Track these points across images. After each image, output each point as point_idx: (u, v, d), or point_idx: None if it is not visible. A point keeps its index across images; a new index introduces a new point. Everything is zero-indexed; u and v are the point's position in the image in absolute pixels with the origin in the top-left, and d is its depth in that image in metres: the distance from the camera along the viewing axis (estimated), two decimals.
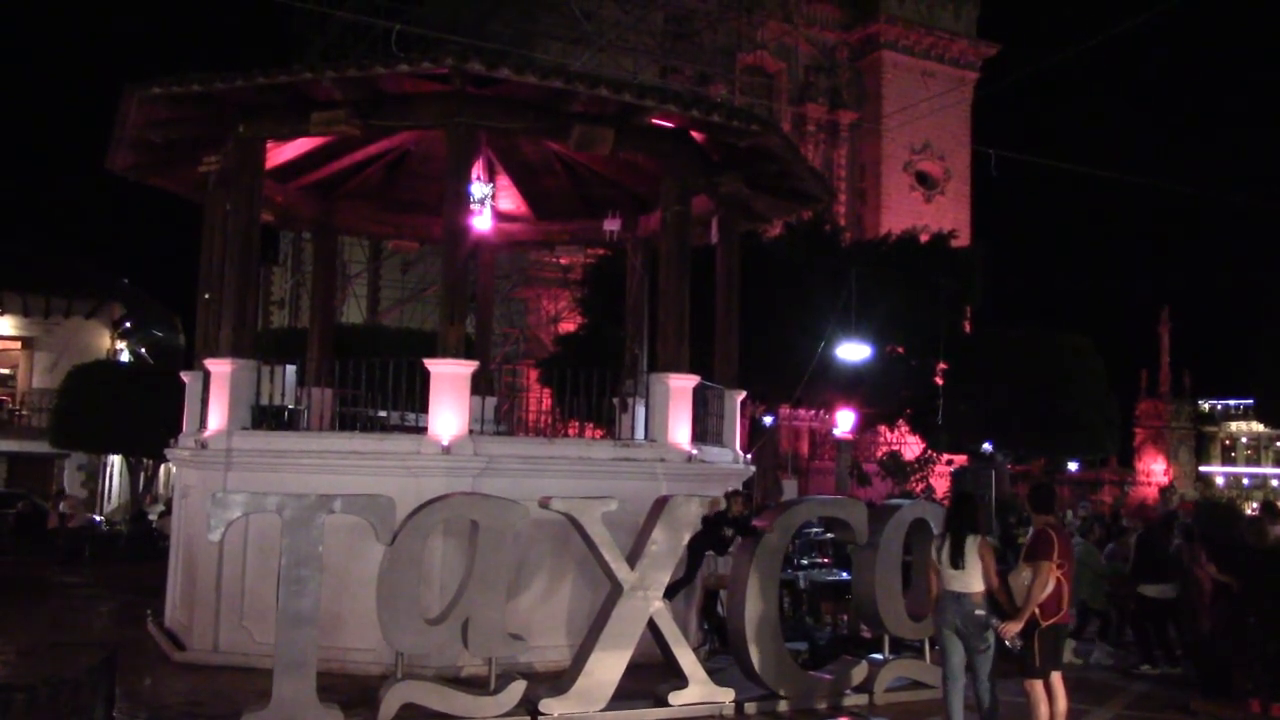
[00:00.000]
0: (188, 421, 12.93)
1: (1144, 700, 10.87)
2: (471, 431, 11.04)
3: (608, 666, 9.09)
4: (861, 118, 50.29)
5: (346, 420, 12.69)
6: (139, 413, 22.89)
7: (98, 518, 28.61)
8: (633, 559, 9.38)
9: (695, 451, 12.03)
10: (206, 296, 13.28)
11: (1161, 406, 62.01)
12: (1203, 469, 65.70)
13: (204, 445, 11.47)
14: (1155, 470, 60.86)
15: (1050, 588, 7.94)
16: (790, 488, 30.47)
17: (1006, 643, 8.33)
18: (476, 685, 9.14)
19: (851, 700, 10.05)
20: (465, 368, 11.11)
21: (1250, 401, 48.49)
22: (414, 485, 10.12)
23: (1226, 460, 68.97)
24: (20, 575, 18.75)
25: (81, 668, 7.54)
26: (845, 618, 12.65)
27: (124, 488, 34.27)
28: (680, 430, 11.94)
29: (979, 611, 8.10)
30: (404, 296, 37.19)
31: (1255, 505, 35.76)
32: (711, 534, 10.28)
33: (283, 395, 12.10)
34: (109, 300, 33.44)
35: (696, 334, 12.39)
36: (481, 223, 14.32)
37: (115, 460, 33.44)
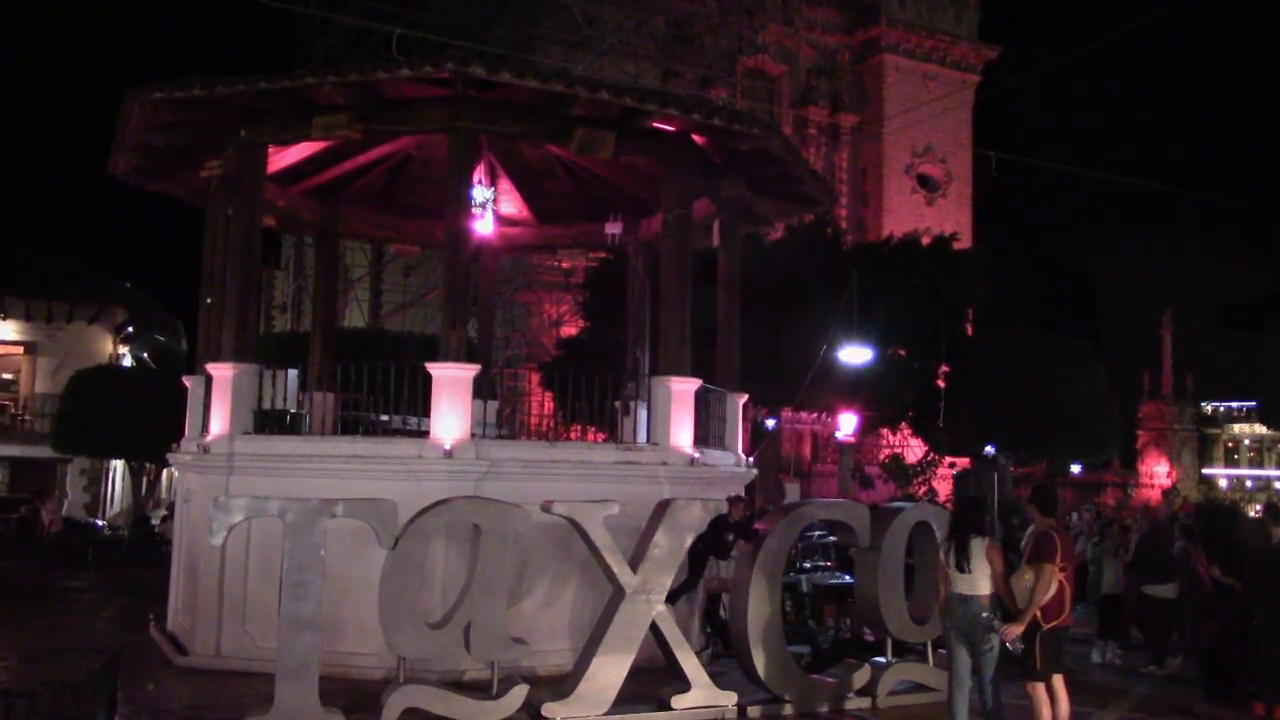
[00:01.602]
0: (190, 426, 12.94)
1: (1147, 703, 10.84)
2: (473, 435, 11.04)
3: (610, 670, 9.09)
4: (863, 121, 50.27)
5: (348, 424, 12.69)
6: (141, 417, 22.94)
7: (99, 521, 28.62)
8: (635, 562, 9.38)
9: (697, 454, 12.02)
10: (209, 301, 13.29)
11: (1164, 409, 61.95)
12: (1206, 471, 65.58)
13: (206, 450, 11.48)
14: (1158, 472, 60.76)
15: (1052, 590, 7.93)
16: (793, 491, 30.40)
17: (1008, 645, 8.31)
18: (479, 689, 9.15)
19: (854, 704, 10.04)
20: (467, 371, 11.12)
21: (1253, 404, 48.47)
22: (416, 489, 10.10)
23: (1229, 462, 68.79)
24: (22, 580, 18.76)
25: (83, 672, 7.57)
26: (848, 621, 12.64)
27: (126, 492, 34.26)
28: (682, 433, 11.94)
29: (985, 614, 8.09)
30: (406, 300, 37.22)
31: (1258, 507, 35.69)
32: (711, 539, 10.28)
33: (285, 399, 12.14)
34: (111, 305, 33.44)
35: (698, 337, 12.39)
36: (483, 227, 14.36)
37: (117, 465, 33.45)
